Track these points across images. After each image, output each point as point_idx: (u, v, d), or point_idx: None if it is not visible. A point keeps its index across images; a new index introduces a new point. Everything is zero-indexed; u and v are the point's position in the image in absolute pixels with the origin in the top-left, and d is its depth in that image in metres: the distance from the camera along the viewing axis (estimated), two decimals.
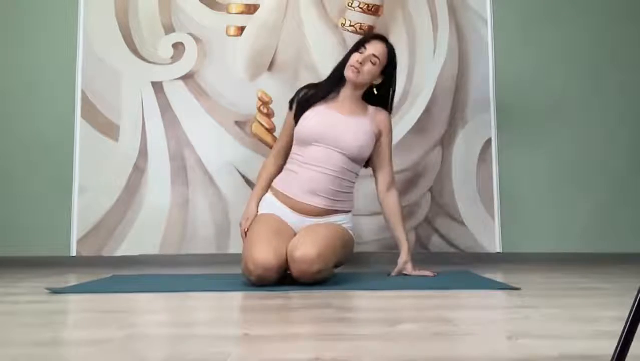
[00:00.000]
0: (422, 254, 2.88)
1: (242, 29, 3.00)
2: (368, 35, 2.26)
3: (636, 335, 0.71)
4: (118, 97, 2.95)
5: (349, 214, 2.19)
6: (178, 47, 2.98)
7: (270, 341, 1.04)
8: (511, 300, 1.54)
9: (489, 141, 2.98)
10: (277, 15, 3.01)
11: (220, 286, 1.88)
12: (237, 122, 2.94)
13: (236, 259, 2.32)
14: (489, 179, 2.96)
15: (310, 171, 2.09)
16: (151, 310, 1.54)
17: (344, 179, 2.13)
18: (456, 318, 1.30)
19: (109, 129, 2.94)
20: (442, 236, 2.92)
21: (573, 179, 2.96)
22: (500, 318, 1.31)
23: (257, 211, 2.15)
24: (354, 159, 2.14)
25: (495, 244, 2.92)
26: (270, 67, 2.98)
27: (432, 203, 2.94)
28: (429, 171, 2.96)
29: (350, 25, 3.01)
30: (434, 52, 3.02)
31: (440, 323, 1.21)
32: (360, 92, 2.21)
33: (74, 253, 2.87)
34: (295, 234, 2.03)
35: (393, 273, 2.17)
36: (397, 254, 2.19)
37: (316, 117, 2.14)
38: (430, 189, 2.95)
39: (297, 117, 2.19)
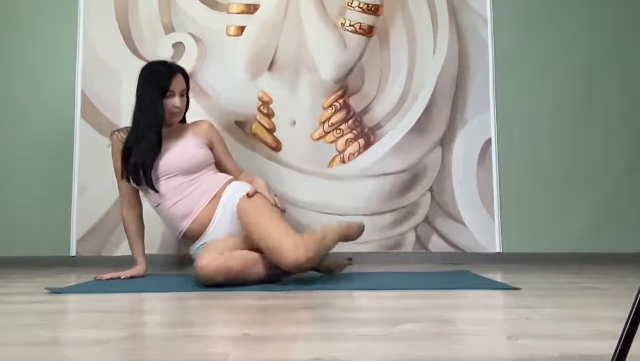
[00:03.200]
0: (422, 254, 2.88)
1: (242, 29, 3.00)
2: (165, 74, 2.16)
3: (636, 335, 0.71)
4: (118, 97, 2.95)
5: (233, 183, 2.16)
6: (178, 47, 2.98)
7: (270, 341, 1.04)
8: (511, 300, 1.54)
9: (489, 141, 2.98)
10: (277, 16, 3.01)
11: (219, 286, 1.88)
12: (237, 122, 2.94)
13: None
14: (489, 179, 2.96)
15: (170, 207, 2.12)
16: (151, 309, 1.54)
17: (199, 179, 2.13)
18: (456, 318, 1.30)
19: (109, 129, 2.93)
20: (442, 236, 2.92)
21: (573, 179, 2.96)
22: (500, 318, 1.31)
23: (146, 267, 2.22)
24: (192, 170, 2.13)
25: (495, 244, 2.92)
26: (270, 67, 2.98)
27: (432, 203, 2.94)
28: (429, 171, 2.96)
29: (350, 25, 3.01)
30: (434, 52, 3.02)
31: (440, 323, 1.21)
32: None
33: (74, 253, 2.87)
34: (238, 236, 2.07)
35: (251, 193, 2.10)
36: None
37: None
38: (430, 189, 2.95)
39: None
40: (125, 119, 2.94)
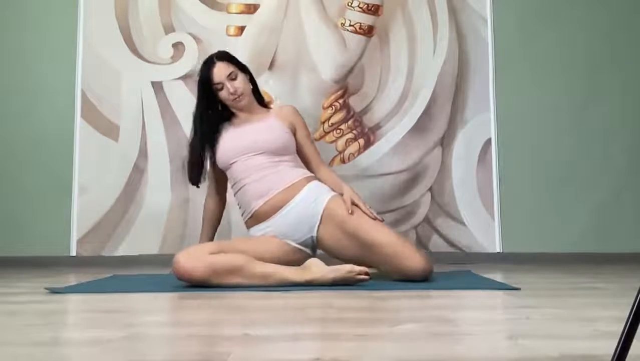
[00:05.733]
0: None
1: (242, 29, 3.00)
2: (204, 70, 2.15)
3: (636, 335, 0.71)
4: (118, 97, 2.95)
5: (316, 182, 2.12)
6: (178, 47, 2.98)
7: (270, 341, 1.04)
8: (511, 300, 1.54)
9: (489, 141, 2.98)
10: (277, 16, 3.01)
11: (219, 286, 1.88)
12: None
13: None
14: (489, 179, 2.95)
15: (247, 185, 2.08)
16: (151, 310, 1.54)
17: (281, 164, 2.10)
18: (456, 318, 1.30)
19: (109, 129, 2.93)
20: (442, 236, 2.92)
21: (573, 179, 2.96)
22: (500, 318, 1.31)
23: None
24: (276, 152, 2.11)
25: (495, 244, 2.92)
26: (270, 67, 2.98)
27: (432, 203, 2.94)
28: (429, 171, 2.96)
29: (350, 25, 3.01)
30: (434, 52, 3.02)
31: (441, 323, 1.21)
32: (250, 101, 2.20)
33: (74, 253, 2.87)
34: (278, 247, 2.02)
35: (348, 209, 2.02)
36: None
37: (228, 141, 2.13)
38: (430, 189, 2.95)
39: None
40: (125, 119, 2.94)
